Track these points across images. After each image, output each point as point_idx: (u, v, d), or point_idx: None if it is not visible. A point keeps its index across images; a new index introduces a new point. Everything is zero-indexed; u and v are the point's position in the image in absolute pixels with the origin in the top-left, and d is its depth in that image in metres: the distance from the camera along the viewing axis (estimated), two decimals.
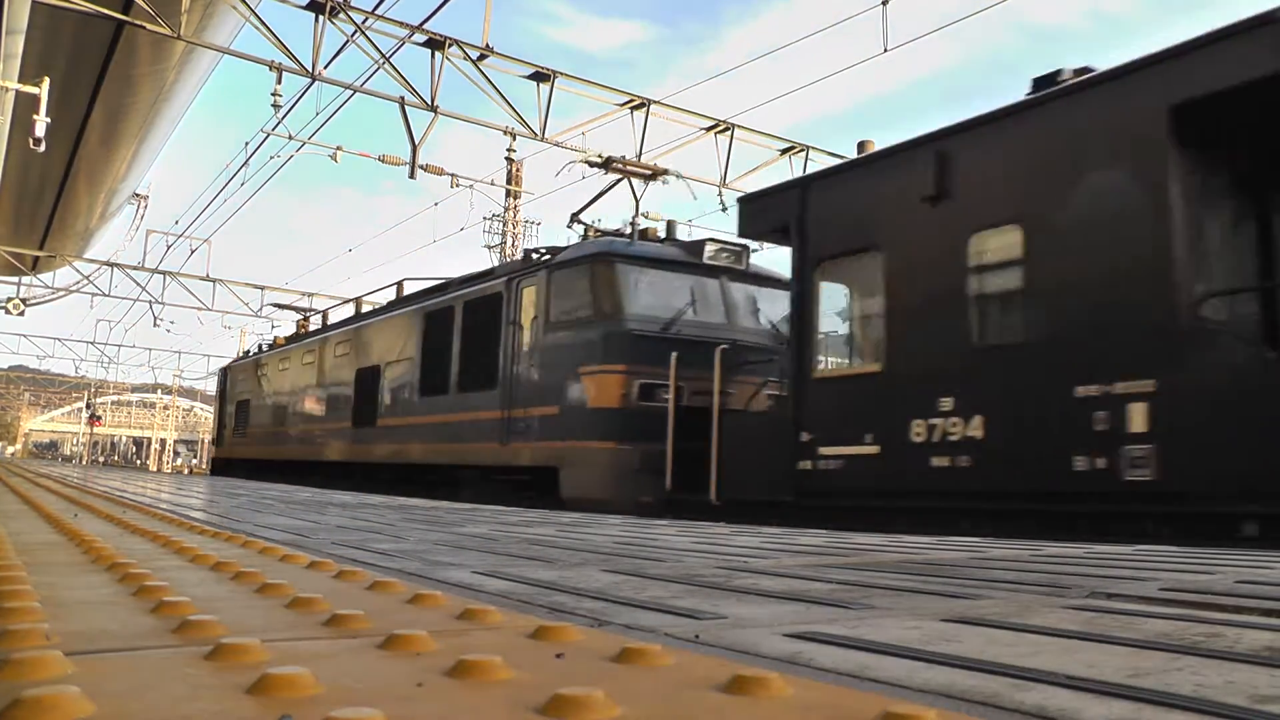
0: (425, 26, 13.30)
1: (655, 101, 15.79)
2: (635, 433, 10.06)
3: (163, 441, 73.79)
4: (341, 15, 12.90)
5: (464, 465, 12.61)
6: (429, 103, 13.66)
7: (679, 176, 16.03)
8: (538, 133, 14.77)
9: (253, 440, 22.17)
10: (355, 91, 13.70)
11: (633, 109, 15.68)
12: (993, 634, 1.69)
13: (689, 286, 11.11)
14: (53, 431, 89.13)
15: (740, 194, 10.10)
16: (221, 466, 25.22)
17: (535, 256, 12.14)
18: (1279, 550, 4.26)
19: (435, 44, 13.49)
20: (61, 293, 29.13)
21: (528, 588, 2.32)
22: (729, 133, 16.49)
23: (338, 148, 17.93)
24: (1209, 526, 5.82)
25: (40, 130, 11.53)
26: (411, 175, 14.45)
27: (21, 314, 27.52)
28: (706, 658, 1.37)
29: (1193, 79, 6.10)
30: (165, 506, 5.92)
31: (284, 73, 12.92)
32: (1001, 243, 7.08)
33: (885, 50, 13.28)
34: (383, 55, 13.20)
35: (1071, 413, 6.40)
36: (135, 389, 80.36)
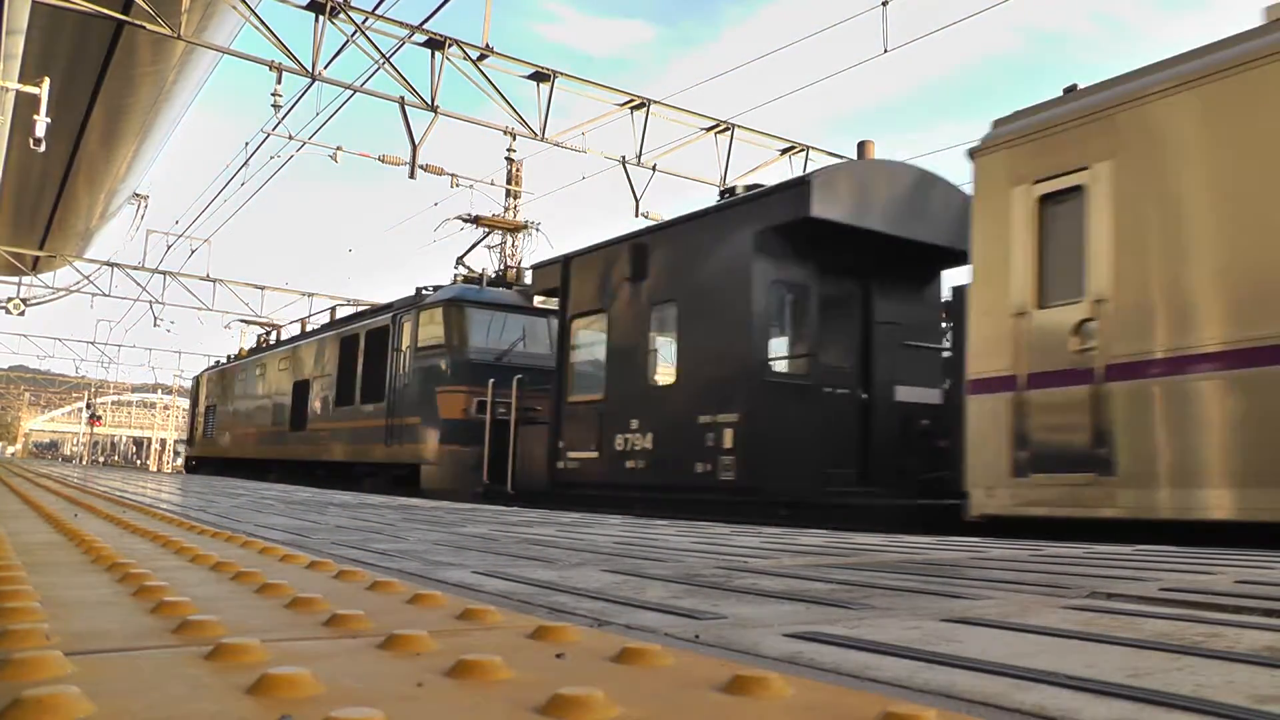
0: (425, 26, 13.31)
1: (655, 101, 15.79)
2: (472, 438, 13.23)
3: (163, 441, 73.79)
4: (341, 15, 12.91)
5: (366, 462, 15.79)
6: (429, 103, 13.66)
7: (538, 229, 20.17)
8: (538, 133, 14.77)
9: (218, 441, 25.50)
10: (355, 91, 13.70)
11: (633, 109, 15.68)
12: (993, 634, 1.69)
13: (521, 325, 14.47)
14: (53, 431, 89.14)
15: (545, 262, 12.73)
16: (194, 465, 28.84)
17: (423, 293, 15.31)
18: (1279, 550, 4.27)
19: (435, 44, 13.49)
20: (61, 293, 29.14)
21: (528, 588, 2.32)
22: (729, 133, 16.49)
23: (338, 148, 17.95)
24: (755, 510, 8.74)
25: (40, 130, 11.54)
26: (411, 175, 14.45)
27: (21, 314, 27.54)
28: (706, 658, 1.37)
29: (765, 214, 9.29)
30: (165, 506, 5.92)
31: (284, 73, 12.93)
32: (666, 313, 10.30)
33: (885, 51, 13.29)
34: (383, 55, 13.21)
35: (696, 433, 9.44)
36: (135, 389, 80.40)
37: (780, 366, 9.46)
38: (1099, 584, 2.54)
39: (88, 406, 61.45)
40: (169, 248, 27.08)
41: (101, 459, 72.83)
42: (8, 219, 22.90)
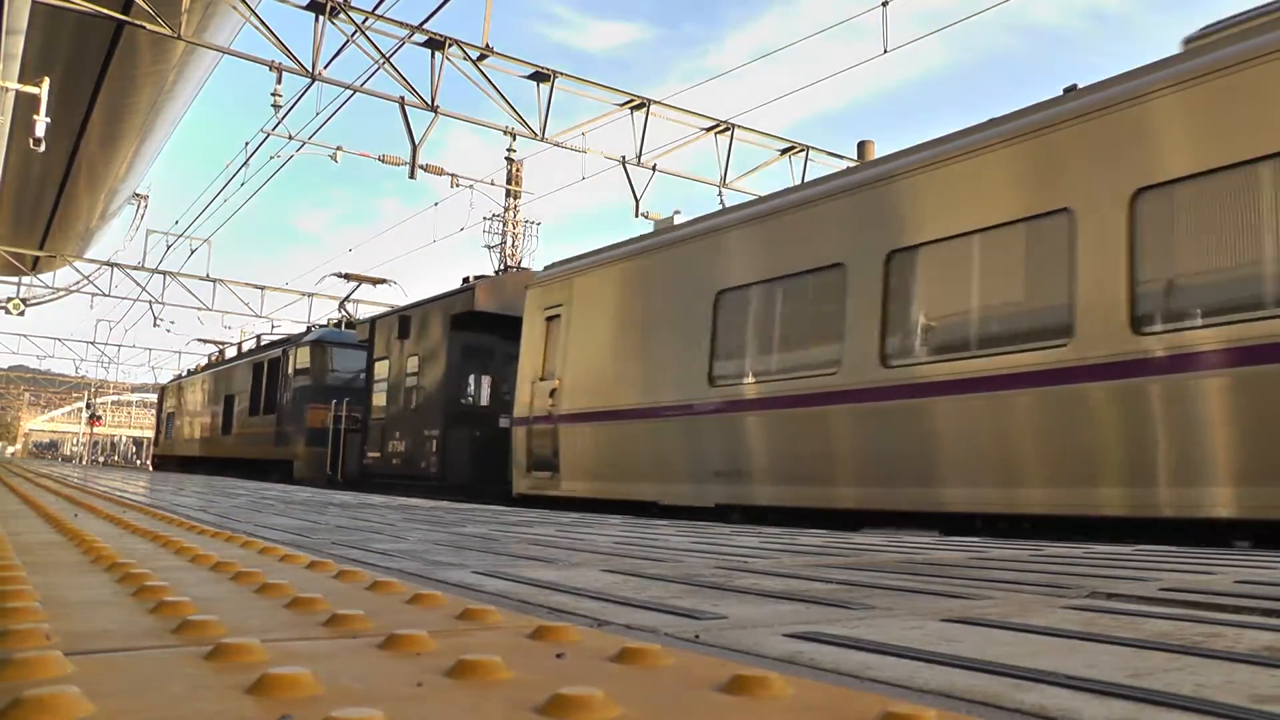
0: (425, 26, 13.30)
1: (655, 101, 15.79)
2: (325, 442, 18.67)
3: None
4: (341, 15, 12.90)
5: (265, 459, 21.50)
6: (429, 103, 13.66)
7: (393, 284, 25.08)
8: (538, 133, 14.77)
9: (175, 442, 31.57)
10: (355, 91, 13.70)
11: (633, 109, 15.68)
12: (993, 634, 1.69)
13: (363, 359, 18.60)
14: (53, 431, 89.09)
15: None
16: (159, 463, 35.07)
17: (308, 331, 22.53)
18: (1279, 550, 4.27)
19: (435, 44, 13.49)
20: (61, 293, 29.14)
21: (528, 588, 2.32)
22: (729, 133, 16.48)
23: (338, 148, 17.94)
24: (448, 491, 13.78)
25: (40, 130, 11.54)
26: (411, 175, 14.45)
27: (21, 314, 27.53)
28: (706, 658, 1.37)
29: (454, 306, 14.49)
30: (165, 506, 5.92)
31: (284, 73, 12.93)
32: (412, 361, 15.66)
33: (885, 51, 13.29)
34: (383, 55, 13.20)
35: (423, 442, 14.80)
36: (135, 389, 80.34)
37: (466, 399, 14.91)
38: (1099, 584, 2.54)
39: (88, 406, 61.45)
40: (169, 248, 27.09)
41: (101, 459, 72.83)
42: (8, 219, 22.89)
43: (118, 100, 15.48)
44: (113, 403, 78.81)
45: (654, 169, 16.20)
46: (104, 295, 28.83)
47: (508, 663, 1.20)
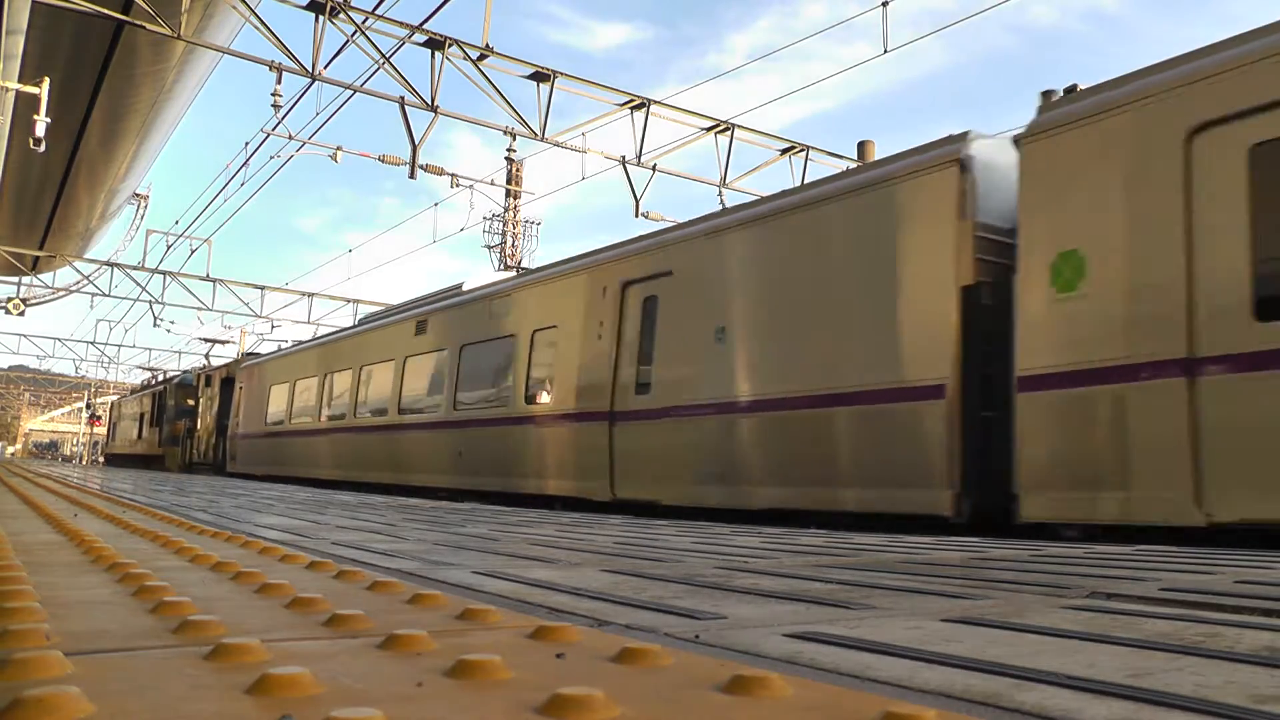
0: (425, 26, 13.30)
1: (655, 101, 15.78)
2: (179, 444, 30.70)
3: None
4: (341, 15, 12.90)
5: (156, 455, 32.48)
6: (429, 103, 13.66)
7: (231, 342, 33.82)
8: (538, 133, 14.77)
9: (116, 443, 44.14)
10: (355, 91, 13.70)
11: (633, 109, 15.68)
12: (993, 634, 1.69)
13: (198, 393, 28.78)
14: (53, 431, 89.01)
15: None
16: (106, 460, 47.09)
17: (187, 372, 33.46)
18: (1279, 550, 4.28)
19: (435, 44, 13.49)
20: (61, 293, 29.13)
21: (528, 588, 2.32)
22: (729, 133, 16.48)
23: (338, 148, 17.93)
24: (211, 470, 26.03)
25: (40, 130, 11.53)
26: (411, 175, 14.45)
27: (21, 314, 27.51)
28: (707, 658, 1.37)
29: (224, 371, 27.23)
30: (165, 507, 5.92)
31: (284, 73, 12.93)
32: (235, 397, 24.50)
33: (886, 51, 13.29)
34: (383, 55, 13.21)
35: (216, 445, 26.63)
36: (135, 389, 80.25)
37: (224, 421, 24.20)
38: (1099, 584, 2.54)
39: (88, 406, 61.42)
40: (169, 248, 27.08)
41: (101, 459, 72.83)
42: (8, 219, 22.89)
43: (118, 100, 15.48)
44: (113, 403, 78.76)
45: (654, 169, 16.20)
46: (104, 295, 28.82)
47: (508, 663, 1.20)
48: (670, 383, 9.49)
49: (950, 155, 7.19)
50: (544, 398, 11.74)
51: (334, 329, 20.64)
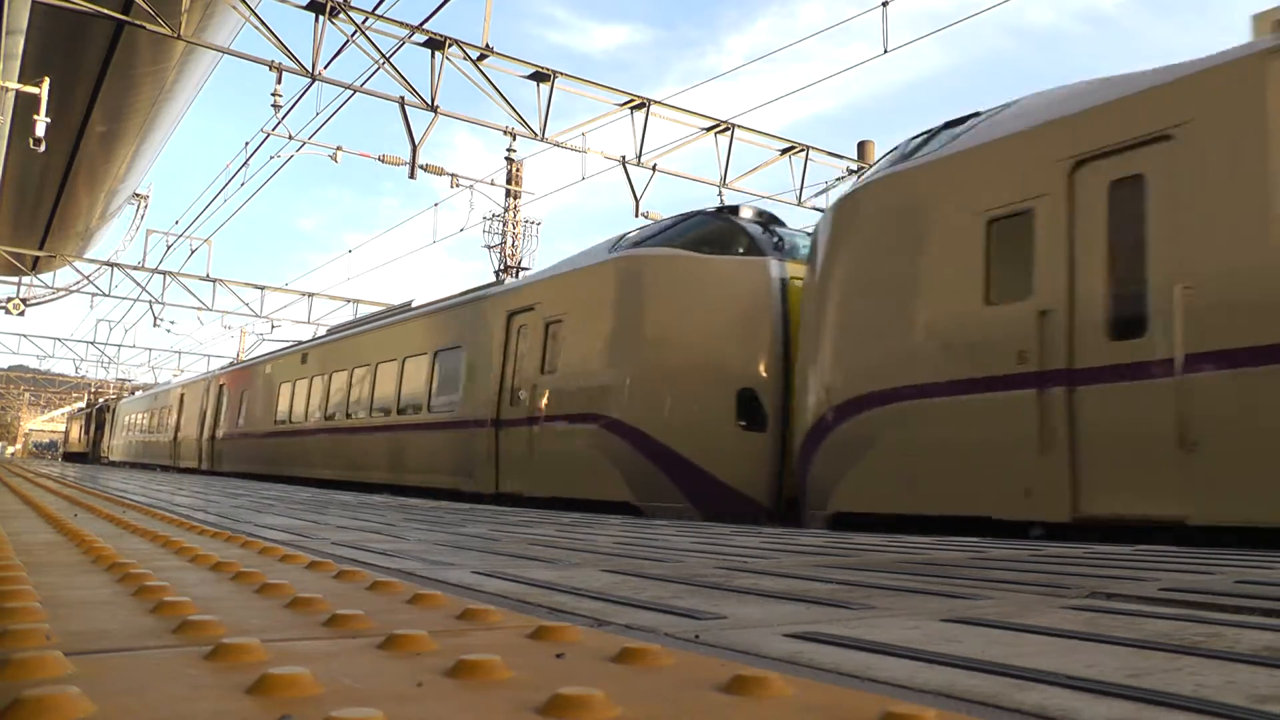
0: (425, 26, 13.30)
1: (655, 102, 15.77)
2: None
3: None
4: (341, 15, 12.90)
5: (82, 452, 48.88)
6: (429, 103, 13.66)
7: (90, 391, 39.81)
8: (538, 133, 14.76)
9: (71, 445, 54.06)
10: (355, 91, 13.70)
11: (633, 109, 15.67)
12: (993, 634, 1.69)
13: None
14: (53, 431, 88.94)
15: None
16: (65, 456, 57.32)
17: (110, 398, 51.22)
18: (1279, 550, 4.28)
19: (435, 44, 13.49)
20: (61, 293, 29.11)
21: (528, 588, 2.31)
22: (729, 133, 16.48)
23: (338, 148, 17.92)
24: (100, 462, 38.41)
25: (40, 130, 11.53)
26: (411, 175, 14.44)
27: (21, 314, 27.49)
28: (707, 658, 1.37)
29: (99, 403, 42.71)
30: (165, 506, 5.92)
31: (284, 73, 12.92)
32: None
33: (886, 51, 13.29)
34: (383, 55, 13.20)
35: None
36: (135, 389, 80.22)
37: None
38: (1099, 584, 2.54)
39: (88, 406, 61.48)
40: (169, 248, 27.06)
41: (60, 455, 72.91)
42: (8, 219, 22.88)
43: (118, 100, 15.46)
44: None
45: (654, 169, 16.19)
46: (104, 295, 28.81)
47: (508, 663, 1.20)
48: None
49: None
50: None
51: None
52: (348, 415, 17.20)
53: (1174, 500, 5.29)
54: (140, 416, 35.62)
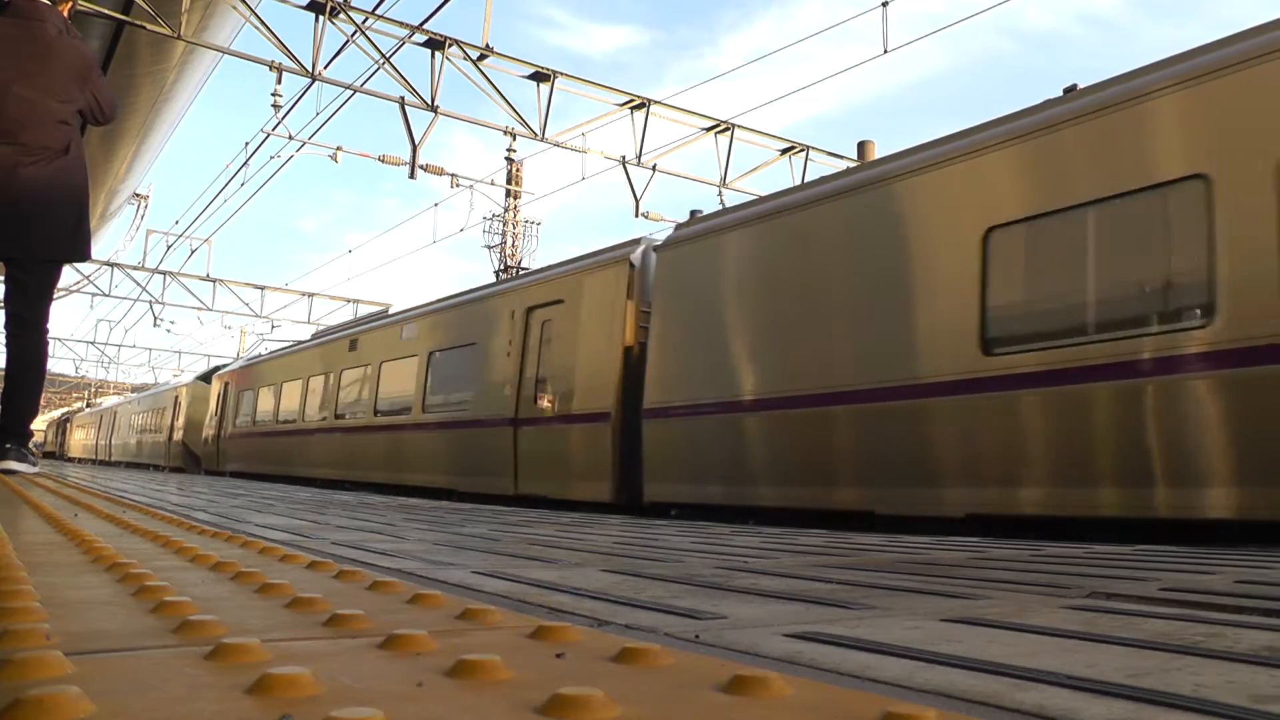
0: (425, 26, 13.30)
1: (655, 102, 15.78)
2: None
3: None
4: (341, 15, 12.90)
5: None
6: (429, 103, 13.66)
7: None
8: (538, 133, 14.77)
9: (68, 447, 59.47)
10: (355, 91, 13.70)
11: (633, 109, 15.68)
12: (993, 634, 1.69)
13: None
14: (39, 433, 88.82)
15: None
16: (53, 454, 63.06)
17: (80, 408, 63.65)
18: (1279, 550, 4.28)
19: (435, 44, 13.49)
20: (62, 293, 29.11)
21: (528, 588, 2.32)
22: (729, 133, 16.48)
23: (338, 148, 17.94)
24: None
25: None
26: (411, 175, 14.45)
27: None
28: (706, 658, 1.37)
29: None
30: (166, 507, 5.92)
31: (284, 73, 12.93)
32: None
33: (885, 51, 13.30)
34: (383, 55, 13.20)
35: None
36: (135, 389, 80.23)
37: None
38: (1099, 584, 2.54)
39: (88, 406, 61.50)
40: (169, 248, 27.09)
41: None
42: None
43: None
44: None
45: (654, 169, 16.19)
46: (104, 295, 28.83)
47: (508, 663, 1.20)
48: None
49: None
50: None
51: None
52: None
53: None
54: (85, 429, 52.45)
